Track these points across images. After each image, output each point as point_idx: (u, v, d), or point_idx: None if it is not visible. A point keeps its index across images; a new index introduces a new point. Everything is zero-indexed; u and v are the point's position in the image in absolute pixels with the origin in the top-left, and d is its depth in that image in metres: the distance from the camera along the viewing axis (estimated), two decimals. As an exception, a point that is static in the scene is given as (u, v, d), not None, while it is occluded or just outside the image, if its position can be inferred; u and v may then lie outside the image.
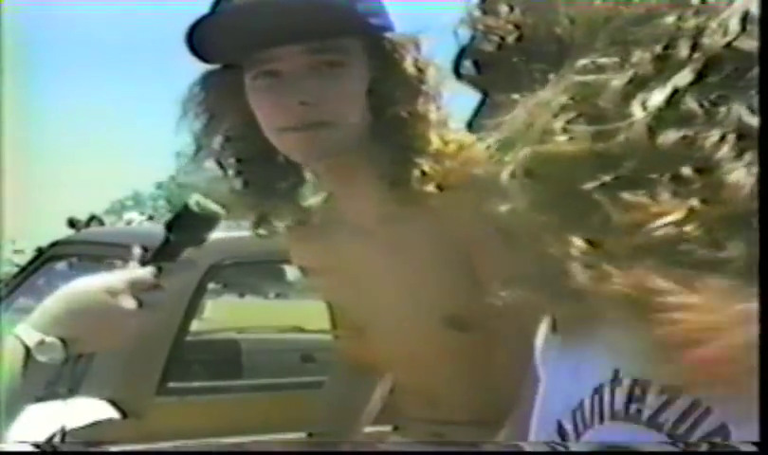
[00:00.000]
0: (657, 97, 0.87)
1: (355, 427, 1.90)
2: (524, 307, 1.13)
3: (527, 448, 1.05)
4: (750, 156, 0.86)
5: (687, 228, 0.87)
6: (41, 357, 1.40)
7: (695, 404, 0.92)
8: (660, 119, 0.86)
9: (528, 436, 1.14)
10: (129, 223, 5.73)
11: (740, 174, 0.85)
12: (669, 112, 0.89)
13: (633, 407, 0.97)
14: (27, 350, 1.39)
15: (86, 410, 3.17)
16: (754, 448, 0.86)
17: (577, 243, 0.89)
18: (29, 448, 1.37)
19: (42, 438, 2.79)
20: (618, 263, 0.88)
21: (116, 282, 1.45)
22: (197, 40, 1.54)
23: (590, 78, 0.89)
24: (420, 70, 1.58)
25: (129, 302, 1.44)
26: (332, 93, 1.54)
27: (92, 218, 6.68)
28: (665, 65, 0.87)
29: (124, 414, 3.28)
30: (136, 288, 1.45)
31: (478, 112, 1.06)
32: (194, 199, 1.54)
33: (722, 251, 0.86)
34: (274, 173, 1.67)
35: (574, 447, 1.01)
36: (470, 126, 1.08)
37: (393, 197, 1.60)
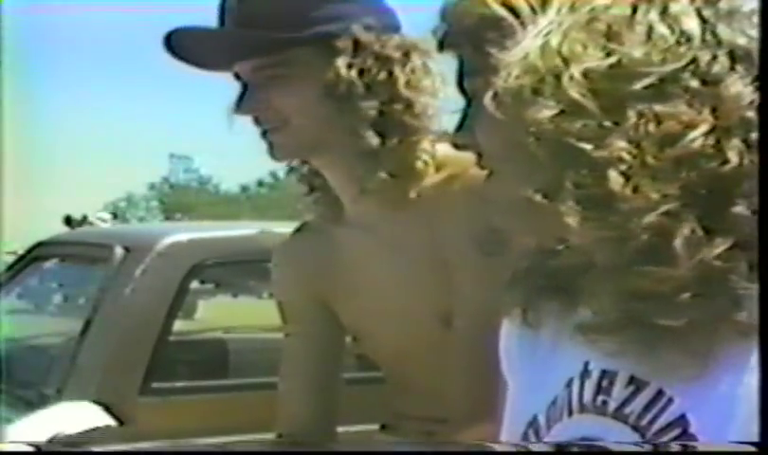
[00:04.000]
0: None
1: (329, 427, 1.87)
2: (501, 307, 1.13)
3: (529, 448, 1.04)
4: (742, 70, 0.91)
5: (709, 141, 0.88)
6: None
7: (659, 394, 0.93)
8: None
9: (499, 432, 1.14)
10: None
11: (738, 86, 0.90)
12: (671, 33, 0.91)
13: (600, 398, 0.98)
14: None
15: (75, 416, 3.16)
16: (754, 448, 0.86)
17: (620, 145, 0.88)
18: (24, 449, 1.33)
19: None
20: (655, 177, 0.89)
21: None
22: (177, 47, 1.65)
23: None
24: (386, 67, 1.63)
25: None
26: (275, 102, 1.64)
27: (84, 218, 6.69)
28: None
29: (115, 418, 3.27)
30: None
31: (464, 121, 1.07)
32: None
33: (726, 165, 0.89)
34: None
35: (552, 441, 1.01)
36: (455, 135, 1.10)
37: (392, 193, 1.66)
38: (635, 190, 0.89)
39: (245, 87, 1.67)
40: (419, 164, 1.65)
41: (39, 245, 4.60)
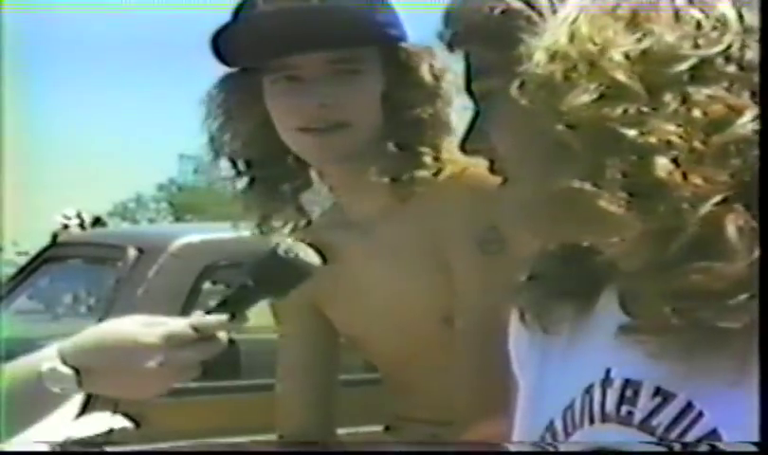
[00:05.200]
0: None
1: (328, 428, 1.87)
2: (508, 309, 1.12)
3: (527, 449, 1.03)
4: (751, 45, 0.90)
5: (754, 128, 0.87)
6: (50, 385, 1.35)
7: (688, 407, 0.91)
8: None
9: (506, 433, 1.13)
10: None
11: (751, 54, 0.89)
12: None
13: (624, 409, 0.96)
14: (39, 374, 1.35)
15: (89, 418, 3.16)
16: (754, 448, 0.86)
17: (666, 128, 0.87)
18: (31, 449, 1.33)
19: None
20: (702, 162, 0.87)
21: (149, 335, 1.36)
22: (222, 44, 1.61)
23: None
24: (435, 77, 1.65)
25: (154, 361, 1.35)
26: (349, 97, 1.61)
27: (97, 220, 6.69)
28: None
29: (131, 419, 3.27)
30: (171, 343, 1.36)
31: (471, 128, 1.05)
32: (285, 245, 1.45)
33: None
34: (281, 175, 1.73)
35: (572, 448, 0.99)
36: (464, 143, 1.08)
37: (394, 192, 1.65)
38: (684, 177, 0.86)
39: (297, 82, 1.62)
40: (432, 168, 1.65)
41: (51, 245, 4.61)
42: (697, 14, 0.90)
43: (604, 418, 0.98)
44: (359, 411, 2.26)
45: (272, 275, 1.44)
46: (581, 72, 0.89)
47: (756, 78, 0.89)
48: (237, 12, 1.65)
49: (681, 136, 0.87)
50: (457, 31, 1.08)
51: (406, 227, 1.67)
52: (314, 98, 1.60)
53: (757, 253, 0.86)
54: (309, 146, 1.65)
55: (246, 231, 1.79)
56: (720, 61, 0.89)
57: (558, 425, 1.02)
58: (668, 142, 0.87)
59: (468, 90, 1.07)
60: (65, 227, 5.44)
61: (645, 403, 0.94)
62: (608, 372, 0.98)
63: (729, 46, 0.89)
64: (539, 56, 0.91)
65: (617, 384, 0.97)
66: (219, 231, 3.81)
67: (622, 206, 0.88)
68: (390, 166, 1.64)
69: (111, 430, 3.17)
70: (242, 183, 1.73)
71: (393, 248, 1.68)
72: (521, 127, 0.94)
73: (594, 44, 0.89)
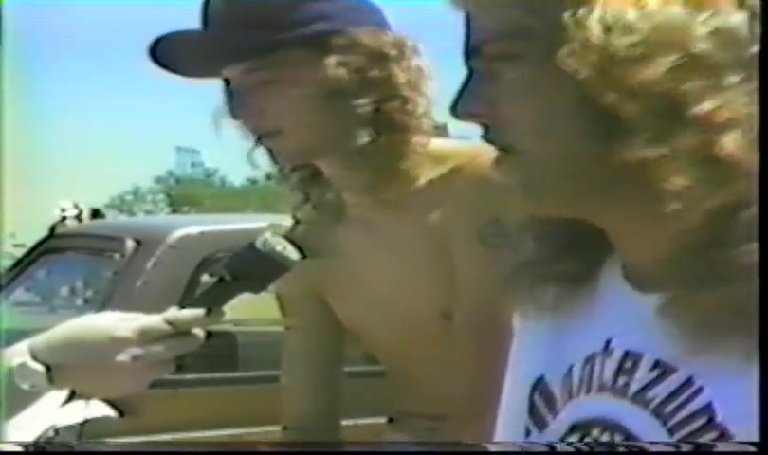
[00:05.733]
0: None
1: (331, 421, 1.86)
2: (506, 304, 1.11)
3: (527, 448, 1.02)
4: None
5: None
6: (20, 381, 1.32)
7: (688, 382, 0.90)
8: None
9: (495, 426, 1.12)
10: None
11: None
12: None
13: (621, 380, 0.95)
14: (9, 370, 1.32)
15: (80, 406, 3.16)
16: (754, 449, 0.85)
17: (739, 103, 0.86)
18: (18, 448, 1.32)
19: (35, 435, 2.80)
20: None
21: (123, 330, 1.33)
22: (161, 55, 1.59)
23: None
24: (379, 63, 1.60)
25: (128, 356, 1.32)
26: (271, 106, 1.58)
27: (96, 212, 6.66)
28: None
29: (118, 410, 3.27)
30: (145, 338, 1.33)
31: (462, 92, 1.02)
32: (262, 238, 1.43)
33: None
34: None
35: (566, 448, 0.99)
36: (455, 107, 1.04)
37: (379, 196, 1.64)
38: (744, 149, 0.86)
39: (232, 93, 1.62)
40: (414, 160, 1.64)
41: (48, 237, 4.61)
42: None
43: (601, 388, 0.97)
44: (365, 403, 2.27)
45: (249, 269, 1.42)
46: (653, 45, 0.87)
47: None
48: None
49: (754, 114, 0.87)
50: None
51: (408, 220, 1.66)
52: (241, 113, 1.62)
53: None
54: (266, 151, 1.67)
55: (243, 223, 1.79)
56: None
57: (556, 391, 1.02)
58: (736, 119, 0.87)
59: (467, 53, 1.01)
60: (63, 219, 5.43)
61: (642, 374, 0.93)
62: (608, 342, 0.97)
63: None
64: (594, 26, 0.88)
65: (617, 354, 0.96)
66: (217, 223, 3.82)
67: (687, 179, 0.88)
68: (367, 165, 1.62)
69: (105, 421, 3.17)
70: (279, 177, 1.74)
71: (395, 241, 1.68)
72: (548, 95, 0.92)
73: (668, 20, 0.87)
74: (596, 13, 0.88)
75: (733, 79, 0.87)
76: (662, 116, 0.87)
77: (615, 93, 0.88)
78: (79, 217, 5.54)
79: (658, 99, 0.87)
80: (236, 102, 1.61)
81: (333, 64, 1.57)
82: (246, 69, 1.59)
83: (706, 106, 0.87)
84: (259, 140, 1.63)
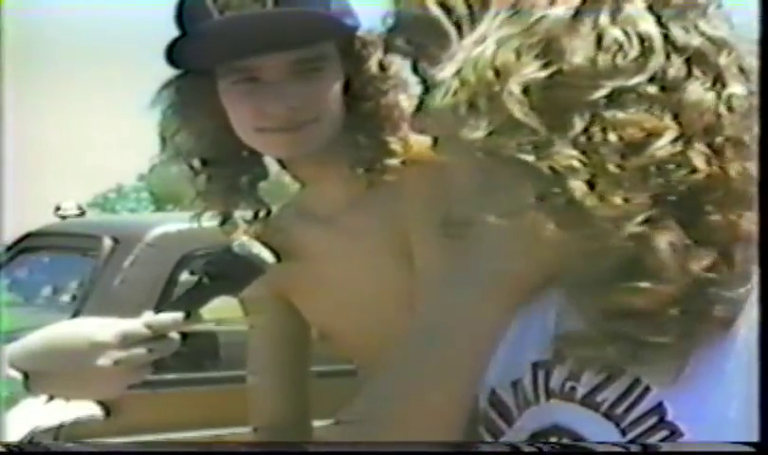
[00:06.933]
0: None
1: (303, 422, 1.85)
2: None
3: (526, 449, 1.00)
4: (699, 73, 0.88)
5: (674, 150, 0.85)
6: None
7: (635, 382, 0.91)
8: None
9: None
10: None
11: (698, 92, 0.87)
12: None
13: (569, 384, 0.95)
14: None
15: (62, 409, 3.13)
16: (753, 449, 0.85)
17: (570, 152, 0.85)
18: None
19: (17, 437, 2.77)
20: (620, 184, 0.86)
21: (103, 334, 1.35)
22: (179, 55, 1.60)
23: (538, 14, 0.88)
24: (385, 64, 1.65)
25: (109, 360, 1.35)
26: (314, 96, 1.61)
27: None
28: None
29: (103, 410, 3.24)
30: (125, 343, 1.35)
31: (420, 105, 1.02)
32: (239, 241, 1.46)
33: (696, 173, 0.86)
34: (237, 169, 1.72)
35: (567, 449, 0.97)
36: (412, 120, 1.05)
37: (364, 180, 1.64)
38: (602, 199, 0.86)
39: (257, 83, 1.61)
40: (401, 156, 1.65)
41: (27, 235, 4.58)
42: (619, 35, 0.88)
43: (549, 394, 0.97)
44: (336, 403, 2.24)
45: (226, 272, 1.45)
46: (481, 102, 0.87)
47: (678, 96, 0.88)
48: (180, 18, 1.64)
49: (589, 161, 0.86)
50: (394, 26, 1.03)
51: (370, 215, 1.66)
52: (280, 101, 1.59)
53: (693, 267, 0.87)
54: (276, 144, 1.64)
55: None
56: (641, 84, 0.87)
57: (509, 401, 1.00)
58: (573, 167, 0.86)
59: (415, 70, 1.03)
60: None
61: (589, 378, 0.94)
62: (557, 349, 0.97)
63: (654, 73, 0.87)
64: (448, 82, 0.89)
65: (567, 360, 0.96)
66: (195, 221, 3.79)
67: (546, 226, 0.87)
68: (360, 157, 1.64)
69: (83, 421, 3.13)
70: (200, 182, 1.71)
71: (358, 237, 1.67)
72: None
73: (495, 71, 0.87)
74: (448, 70, 0.90)
75: (570, 125, 0.87)
76: (494, 172, 0.89)
77: (457, 149, 0.91)
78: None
79: (487, 157, 0.88)
80: (280, 90, 1.60)
81: (356, 63, 1.64)
82: (298, 59, 1.60)
83: (530, 159, 0.87)
84: (288, 130, 1.61)
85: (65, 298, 4.58)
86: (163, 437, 3.33)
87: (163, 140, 1.71)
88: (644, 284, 0.87)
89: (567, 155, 0.86)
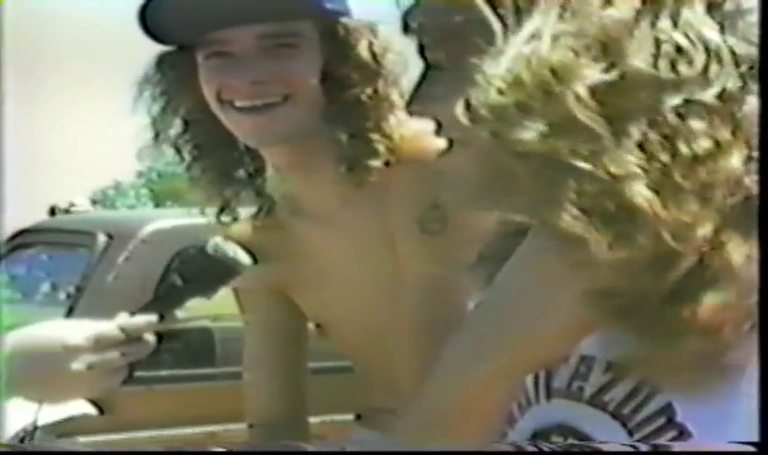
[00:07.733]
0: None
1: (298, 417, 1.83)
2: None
3: (528, 449, 0.98)
4: (751, 85, 0.84)
5: (742, 166, 0.82)
6: None
7: (641, 385, 0.89)
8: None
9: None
10: (71, 206, 5.65)
11: (752, 104, 0.83)
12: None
13: (576, 384, 0.93)
14: None
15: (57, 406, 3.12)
16: (753, 449, 0.84)
17: (629, 159, 0.81)
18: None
19: (12, 433, 2.76)
20: (686, 197, 0.82)
21: (77, 338, 1.34)
22: (151, 21, 1.56)
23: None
24: (376, 55, 1.59)
25: (81, 364, 1.33)
26: (283, 73, 1.55)
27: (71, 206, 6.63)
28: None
29: (97, 407, 3.24)
30: (99, 346, 1.34)
31: (418, 88, 0.98)
32: (213, 243, 1.44)
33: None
34: (233, 161, 1.68)
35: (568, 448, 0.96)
36: (410, 103, 1.01)
37: (350, 180, 1.60)
38: (665, 206, 0.81)
39: (232, 58, 1.57)
40: (384, 151, 1.60)
41: (21, 232, 4.58)
42: (682, 41, 0.84)
43: (553, 394, 0.95)
44: (334, 400, 2.23)
45: (201, 273, 1.45)
46: (536, 103, 0.82)
47: (737, 108, 0.84)
48: None
49: (650, 168, 0.82)
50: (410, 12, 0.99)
51: (359, 212, 1.63)
52: (245, 74, 1.55)
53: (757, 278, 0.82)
54: (245, 126, 1.58)
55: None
56: (706, 91, 0.83)
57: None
58: (633, 173, 0.81)
59: (421, 54, 0.98)
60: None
61: (597, 377, 0.92)
62: None
63: (724, 88, 0.83)
64: (493, 82, 0.84)
65: (573, 360, 0.94)
66: (190, 217, 3.77)
67: (586, 229, 0.82)
68: (342, 155, 1.59)
69: (78, 418, 3.13)
70: (195, 170, 1.68)
71: (349, 234, 1.65)
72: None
73: (552, 71, 0.83)
74: (497, 69, 0.84)
75: (628, 133, 0.82)
76: (545, 174, 0.83)
77: (504, 149, 0.84)
78: None
79: (539, 158, 0.83)
80: (247, 65, 1.55)
81: (340, 48, 1.58)
82: (265, 33, 1.55)
83: (586, 165, 0.82)
84: (252, 110, 1.56)
85: (64, 294, 4.59)
86: (158, 434, 3.32)
87: (153, 124, 1.66)
88: (722, 298, 0.82)
89: (627, 162, 0.81)
